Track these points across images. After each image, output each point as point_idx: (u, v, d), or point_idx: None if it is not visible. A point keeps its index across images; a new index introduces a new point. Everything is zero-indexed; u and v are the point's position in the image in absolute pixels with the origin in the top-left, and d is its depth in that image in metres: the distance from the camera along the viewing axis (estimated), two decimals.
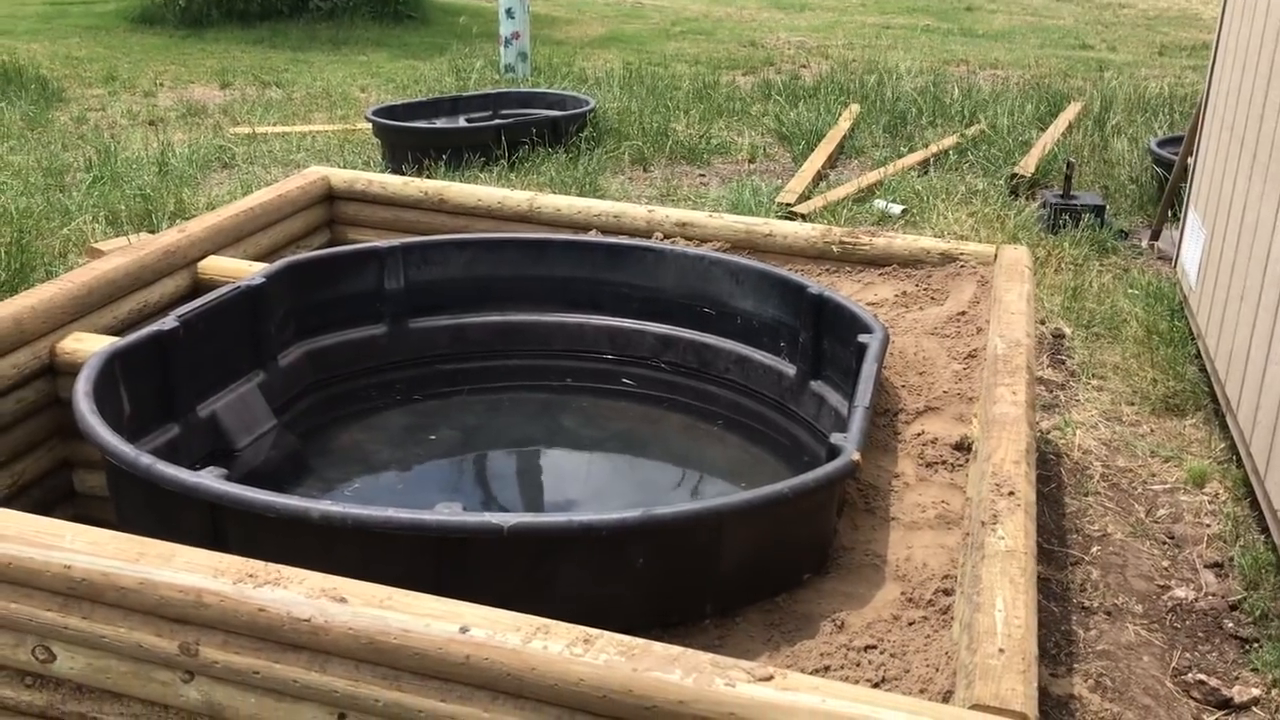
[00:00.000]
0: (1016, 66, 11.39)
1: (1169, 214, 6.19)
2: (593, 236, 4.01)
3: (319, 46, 11.91)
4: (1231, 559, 3.49)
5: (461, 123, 7.81)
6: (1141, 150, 7.44)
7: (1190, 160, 5.54)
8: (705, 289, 3.73)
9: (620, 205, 4.22)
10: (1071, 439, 4.18)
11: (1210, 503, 3.81)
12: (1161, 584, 3.40)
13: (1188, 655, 3.10)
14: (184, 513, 2.41)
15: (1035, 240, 6.01)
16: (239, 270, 3.65)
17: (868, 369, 2.94)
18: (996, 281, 3.55)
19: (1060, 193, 6.46)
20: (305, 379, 3.61)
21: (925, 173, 7.31)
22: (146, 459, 2.44)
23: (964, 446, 2.92)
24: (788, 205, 6.47)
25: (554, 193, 6.39)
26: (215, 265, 3.72)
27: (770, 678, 1.79)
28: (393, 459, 3.44)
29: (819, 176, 7.25)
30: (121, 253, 3.53)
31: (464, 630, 1.88)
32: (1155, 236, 6.25)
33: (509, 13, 10.02)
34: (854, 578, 2.51)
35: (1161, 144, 6.92)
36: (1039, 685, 1.91)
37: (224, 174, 7.24)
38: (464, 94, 8.55)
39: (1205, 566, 3.49)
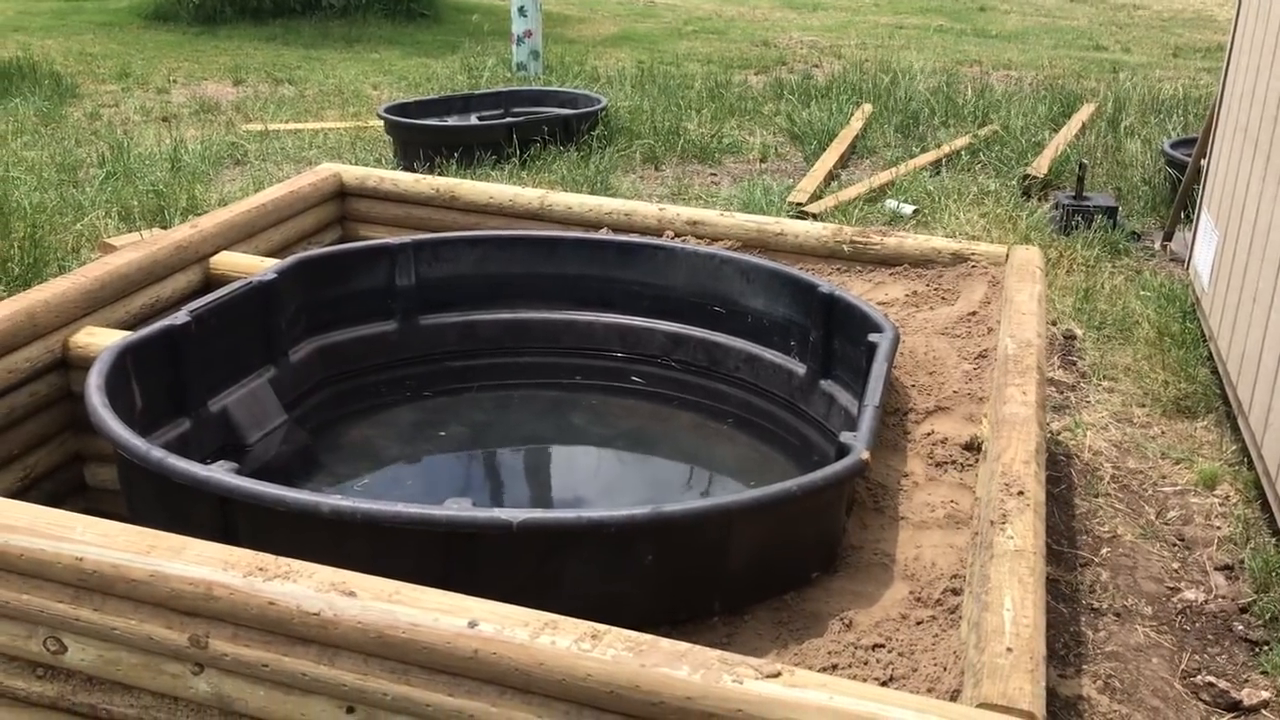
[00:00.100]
0: (1030, 67, 11.37)
1: (1182, 216, 6.17)
2: (604, 234, 4.01)
3: (332, 44, 11.94)
4: (1242, 561, 3.48)
5: (473, 120, 7.82)
6: (1155, 152, 7.42)
7: (1203, 162, 5.52)
8: (716, 287, 3.73)
9: (631, 203, 4.23)
10: (1082, 440, 4.17)
11: (1221, 505, 3.79)
12: (1171, 586, 3.39)
13: (1197, 657, 3.10)
14: (195, 506, 2.42)
15: (1047, 241, 5.99)
16: (251, 266, 3.66)
17: (878, 368, 2.94)
18: (1008, 282, 3.54)
19: (1073, 194, 6.44)
20: (316, 375, 3.62)
21: (937, 173, 7.30)
22: (158, 453, 2.45)
23: (974, 446, 2.92)
24: (799, 205, 6.47)
25: (565, 191, 6.39)
26: (227, 261, 3.73)
27: (778, 675, 1.79)
28: (402, 455, 3.45)
29: (830, 176, 7.24)
30: (134, 248, 3.54)
31: (472, 625, 1.88)
32: (1168, 238, 6.24)
33: (521, 11, 10.03)
34: (862, 576, 2.51)
35: (1175, 145, 6.89)
36: (1047, 686, 1.91)
37: (236, 170, 7.26)
38: (476, 92, 8.56)
39: (1215, 569, 3.47)
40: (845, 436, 2.63)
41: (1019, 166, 7.31)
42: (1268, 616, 3.23)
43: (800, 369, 3.53)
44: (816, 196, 6.69)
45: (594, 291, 3.85)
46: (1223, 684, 2.95)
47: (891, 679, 2.16)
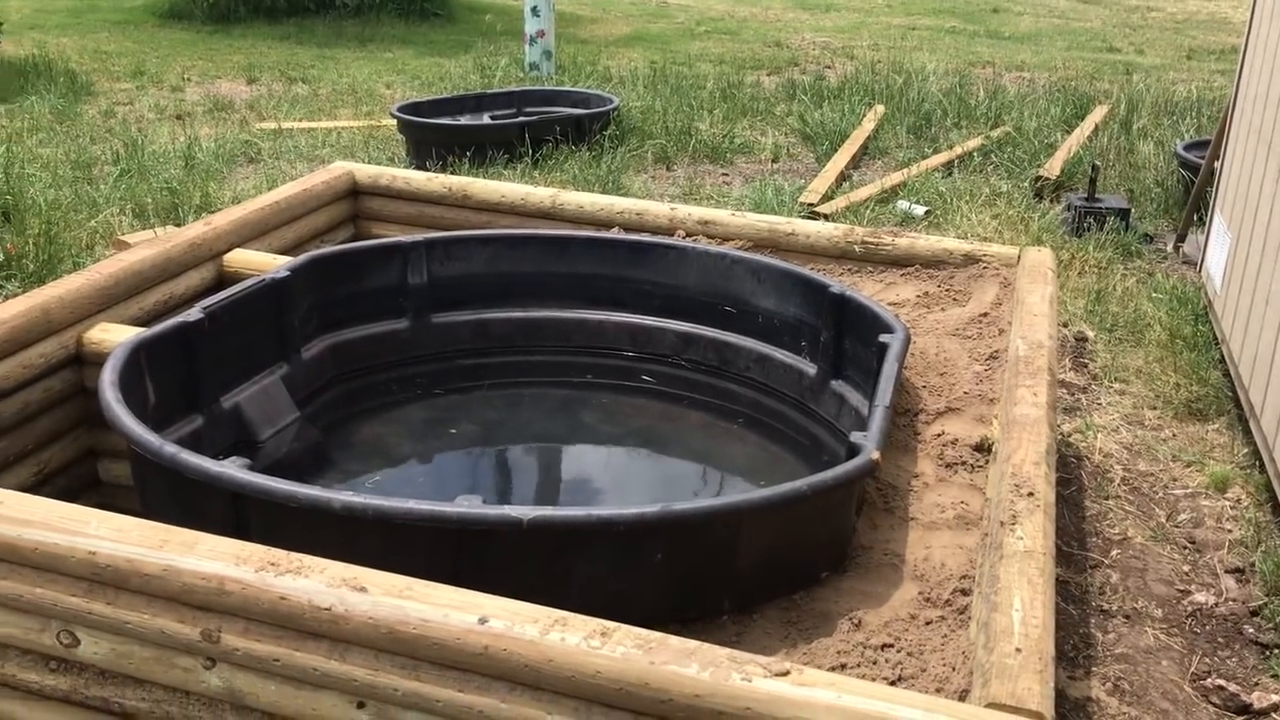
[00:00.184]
0: (1042, 69, 11.34)
1: (1194, 218, 6.15)
2: (615, 234, 4.02)
3: (345, 43, 11.97)
4: (1253, 564, 3.47)
5: (486, 120, 7.84)
6: (1168, 154, 7.40)
7: (1217, 164, 5.51)
8: (727, 287, 3.73)
9: (643, 203, 4.23)
10: (1093, 442, 4.16)
11: (1232, 508, 3.78)
12: (1181, 588, 3.39)
13: (1207, 660, 3.09)
14: (207, 502, 2.43)
15: (1059, 243, 5.98)
16: (264, 263, 3.68)
17: (888, 369, 2.94)
18: (1019, 283, 3.54)
19: (1085, 195, 6.43)
20: (328, 372, 3.63)
21: (949, 174, 7.29)
22: (171, 448, 2.46)
23: (984, 448, 2.92)
24: (810, 205, 6.47)
25: (577, 190, 6.40)
26: (240, 258, 3.74)
27: (787, 673, 1.79)
28: (413, 452, 3.47)
29: (842, 177, 7.24)
30: (148, 245, 3.56)
31: (483, 621, 1.89)
32: (1180, 240, 6.22)
33: (534, 11, 10.04)
34: (872, 577, 2.51)
35: (1188, 148, 6.87)
36: (1056, 687, 1.91)
37: (249, 169, 7.29)
38: (488, 91, 8.58)
39: (1226, 572, 3.47)
40: (856, 436, 2.63)
41: (1031, 168, 7.30)
42: (1278, 620, 3.22)
43: (811, 369, 3.53)
44: (828, 197, 6.69)
45: (605, 291, 3.86)
46: (1233, 687, 2.95)
47: (900, 679, 2.17)
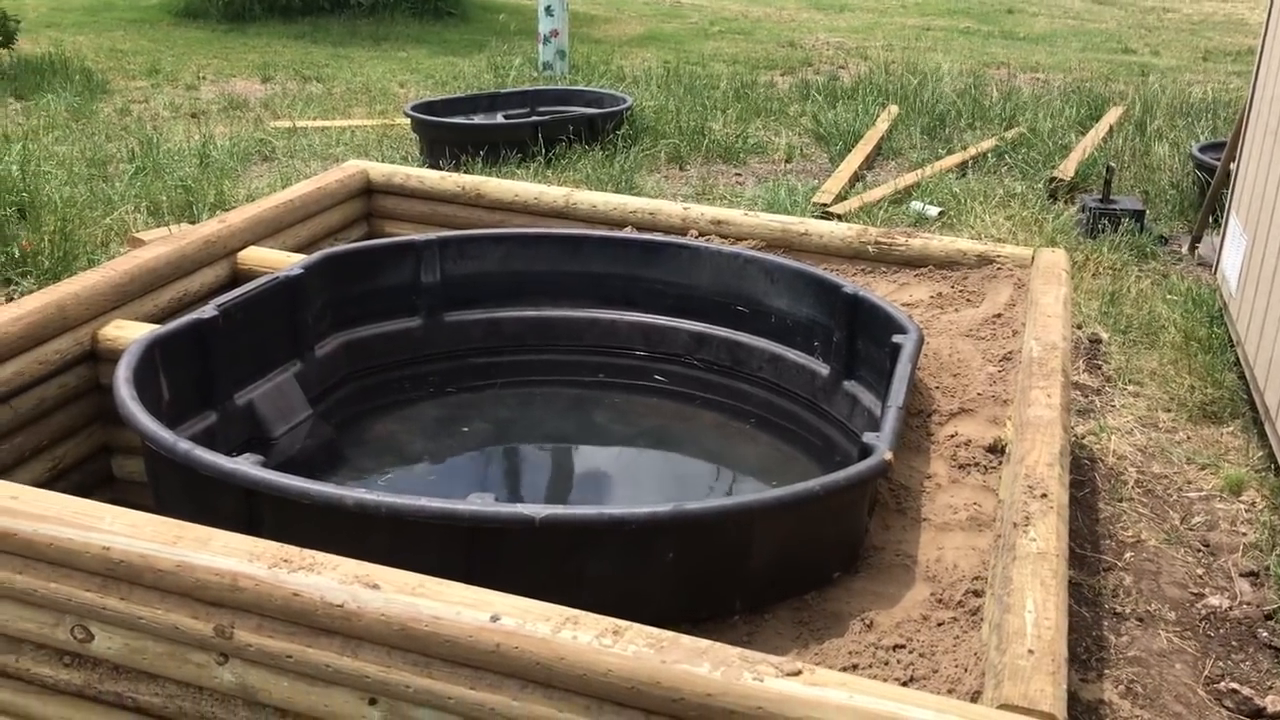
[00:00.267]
0: (1057, 70, 11.30)
1: (1210, 220, 6.12)
2: (628, 233, 4.02)
3: (359, 42, 12.00)
4: (1267, 568, 3.45)
5: (499, 119, 7.85)
6: (1183, 155, 7.37)
7: (1232, 166, 5.48)
8: (740, 287, 3.73)
9: (656, 202, 4.23)
10: (1107, 444, 4.15)
11: (1247, 511, 3.77)
12: (1195, 591, 3.37)
13: (1221, 664, 3.08)
14: (220, 498, 2.44)
15: (1073, 244, 5.96)
16: (278, 261, 3.69)
17: (902, 369, 2.93)
18: (1033, 284, 3.53)
19: (1099, 197, 6.40)
20: (341, 370, 3.64)
21: (963, 175, 7.27)
22: (185, 445, 2.47)
23: (997, 449, 2.91)
24: (824, 205, 6.46)
25: (590, 189, 6.40)
26: (254, 256, 3.75)
27: (798, 673, 1.79)
28: (426, 450, 3.47)
29: (856, 177, 7.23)
30: (162, 242, 3.57)
31: (494, 619, 1.89)
32: (1196, 242, 6.19)
33: (548, 10, 10.05)
34: (884, 577, 2.51)
35: (1204, 149, 6.85)
36: (1069, 689, 1.90)
37: (264, 167, 7.31)
38: (502, 90, 8.59)
39: (1240, 575, 3.45)
40: (868, 437, 2.62)
41: (1045, 169, 7.28)
42: None
43: (824, 369, 3.53)
44: (841, 197, 6.68)
45: (618, 290, 3.86)
46: (1246, 691, 2.94)
47: (912, 680, 2.16)
